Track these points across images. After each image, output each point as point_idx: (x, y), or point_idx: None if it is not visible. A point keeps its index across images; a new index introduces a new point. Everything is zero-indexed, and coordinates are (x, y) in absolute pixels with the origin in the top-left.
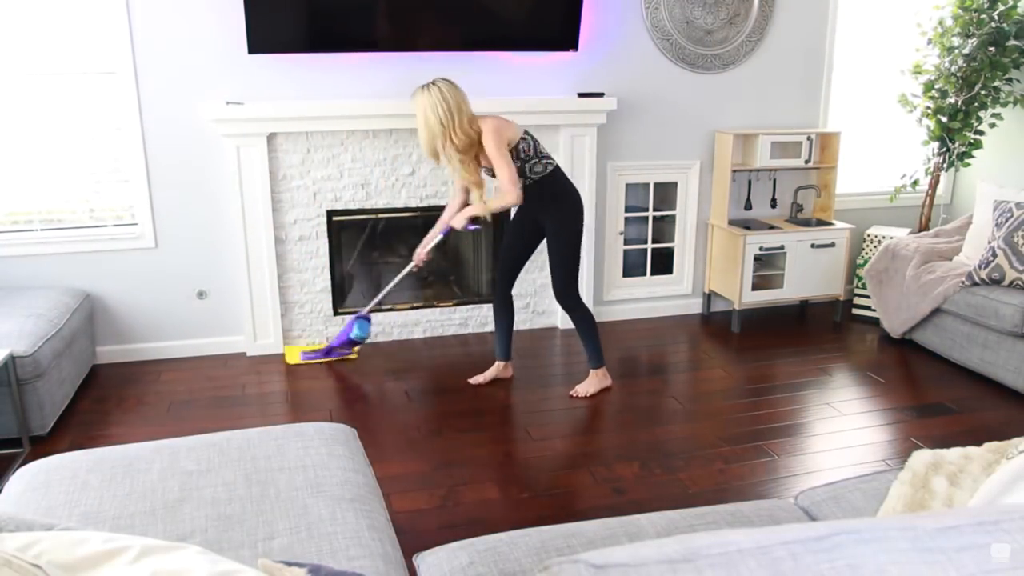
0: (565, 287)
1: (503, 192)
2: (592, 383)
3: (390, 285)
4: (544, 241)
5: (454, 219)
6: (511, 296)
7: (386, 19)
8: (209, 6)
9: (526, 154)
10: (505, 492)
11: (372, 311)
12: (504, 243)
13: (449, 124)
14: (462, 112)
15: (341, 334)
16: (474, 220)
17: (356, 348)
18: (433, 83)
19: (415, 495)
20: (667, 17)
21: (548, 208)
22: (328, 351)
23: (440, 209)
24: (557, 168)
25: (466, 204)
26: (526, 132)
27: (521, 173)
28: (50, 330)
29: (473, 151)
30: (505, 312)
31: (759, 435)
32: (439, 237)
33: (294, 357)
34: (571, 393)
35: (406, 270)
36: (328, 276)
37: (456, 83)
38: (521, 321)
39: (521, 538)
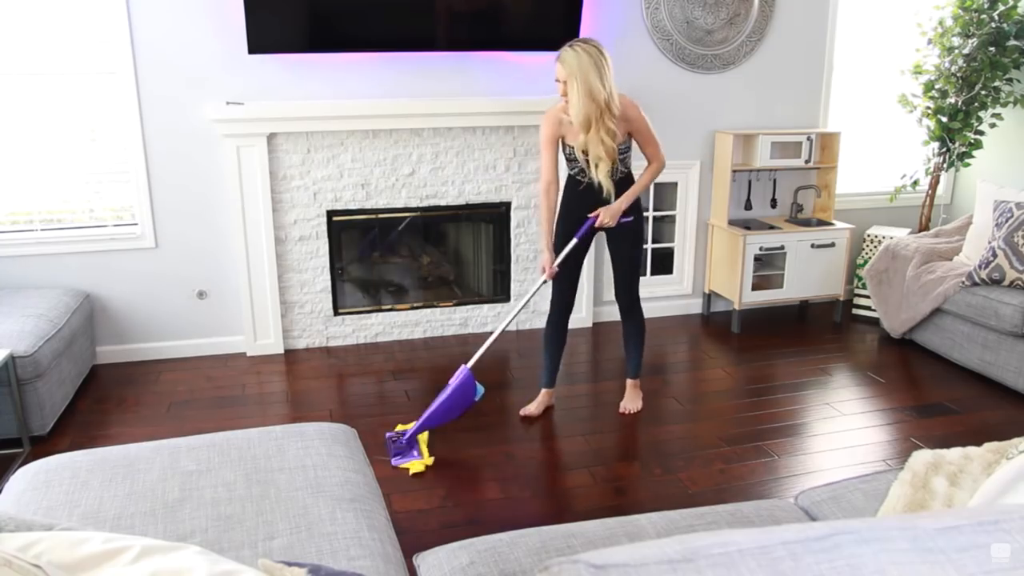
0: (637, 292)
1: (659, 160)
2: (637, 397)
3: (518, 309)
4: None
5: (603, 215)
6: (568, 320)
7: (386, 19)
8: (209, 6)
9: (625, 144)
10: (505, 492)
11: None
12: (563, 273)
13: (610, 88)
14: (613, 78)
15: (458, 400)
16: (625, 212)
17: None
18: (585, 42)
19: (415, 495)
20: (667, 17)
21: (628, 209)
22: (424, 427)
23: (440, 209)
24: (631, 170)
25: (556, 191)
26: None
27: (621, 165)
28: (50, 330)
29: (619, 124)
30: (562, 341)
31: (759, 435)
32: (583, 230)
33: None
34: (621, 411)
35: (538, 286)
36: (328, 276)
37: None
38: (521, 321)
39: (521, 538)
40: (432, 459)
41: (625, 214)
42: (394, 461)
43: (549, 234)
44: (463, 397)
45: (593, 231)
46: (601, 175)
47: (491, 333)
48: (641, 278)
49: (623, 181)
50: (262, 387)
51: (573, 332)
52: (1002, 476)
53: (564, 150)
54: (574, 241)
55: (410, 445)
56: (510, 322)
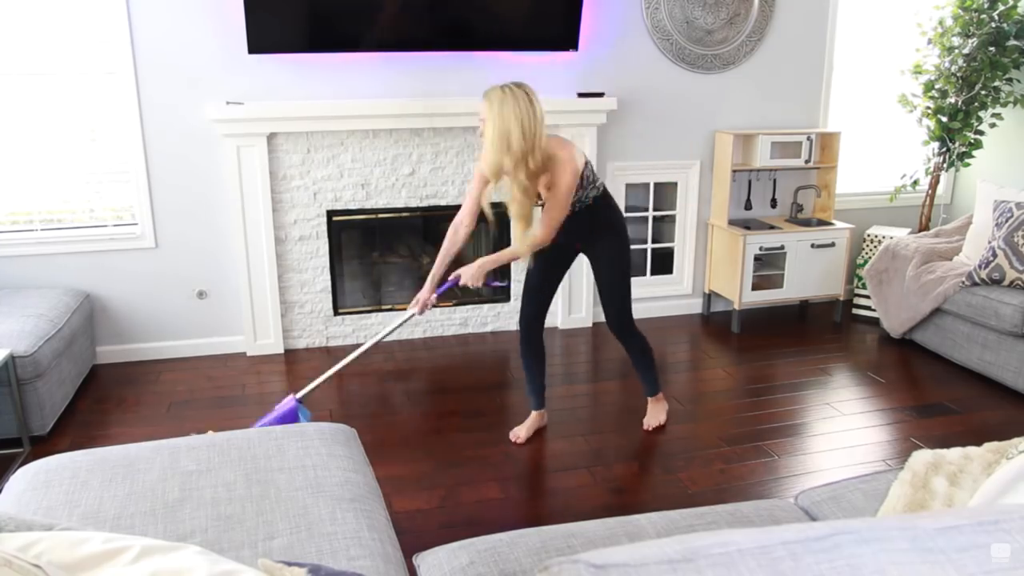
0: (625, 318)
1: (537, 234)
2: (660, 411)
3: (376, 338)
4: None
5: (465, 273)
6: (543, 338)
7: (386, 19)
8: (209, 6)
9: (588, 180)
10: (505, 492)
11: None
12: (534, 277)
13: (531, 142)
14: (543, 129)
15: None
16: (495, 273)
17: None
18: (518, 86)
19: (415, 495)
20: (667, 17)
21: (601, 235)
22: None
23: (439, 209)
24: (606, 189)
25: (471, 231)
26: (581, 153)
27: (579, 200)
28: (50, 330)
29: (539, 179)
30: (537, 355)
31: (759, 435)
32: (446, 286)
33: None
34: (645, 427)
35: (404, 318)
36: (328, 276)
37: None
38: None
39: (521, 538)
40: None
41: (496, 276)
42: None
43: (437, 265)
44: (286, 415)
45: (559, 255)
46: (516, 234)
47: (492, 333)
48: (644, 277)
49: (589, 210)
50: (262, 387)
51: (573, 332)
52: (1002, 476)
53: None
54: (446, 287)
55: None
56: (359, 353)
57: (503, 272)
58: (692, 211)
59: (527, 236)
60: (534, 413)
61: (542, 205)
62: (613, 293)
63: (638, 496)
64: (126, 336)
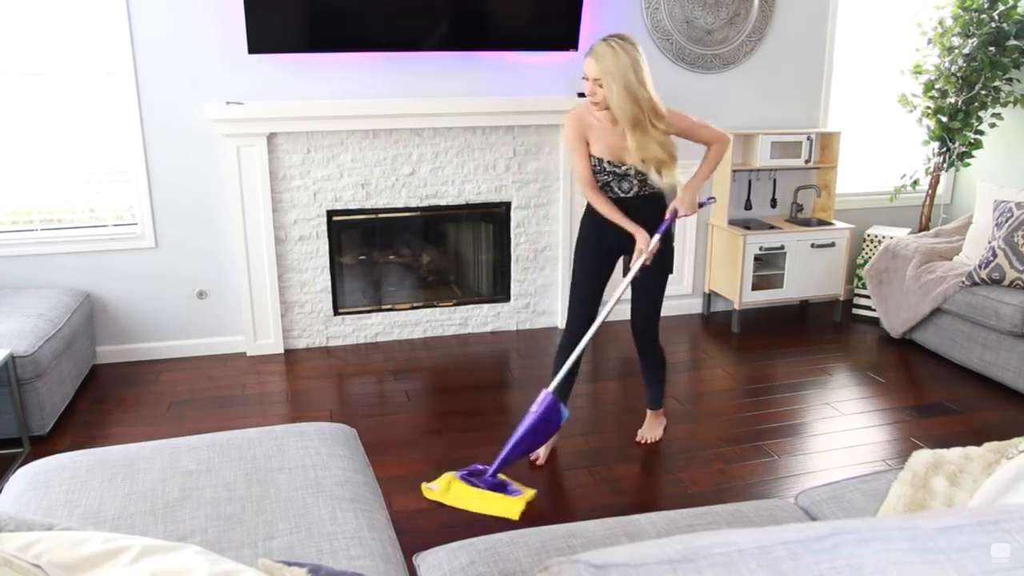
0: (654, 328)
1: (718, 139)
2: (658, 426)
3: (612, 301)
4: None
5: (681, 206)
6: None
7: (386, 19)
8: (209, 6)
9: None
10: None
11: None
12: (582, 276)
13: (649, 87)
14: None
15: (541, 427)
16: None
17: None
18: (622, 38)
19: (415, 495)
20: (667, 17)
21: (652, 231)
22: (507, 461)
23: (439, 209)
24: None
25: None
26: None
27: (641, 182)
28: (50, 330)
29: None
30: (574, 362)
31: (759, 435)
32: (666, 225)
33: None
34: (639, 440)
35: (634, 271)
36: (328, 276)
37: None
38: (521, 321)
39: (521, 538)
40: (534, 491)
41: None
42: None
43: (620, 213)
44: (547, 424)
45: (678, 217)
46: (666, 178)
47: (491, 333)
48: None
49: (650, 200)
50: (262, 387)
51: None
52: (1002, 476)
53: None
54: (655, 243)
55: (500, 485)
56: (598, 327)
57: (664, 235)
58: None
59: (712, 147)
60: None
61: (619, 175)
62: (652, 296)
63: (638, 496)
64: (126, 336)
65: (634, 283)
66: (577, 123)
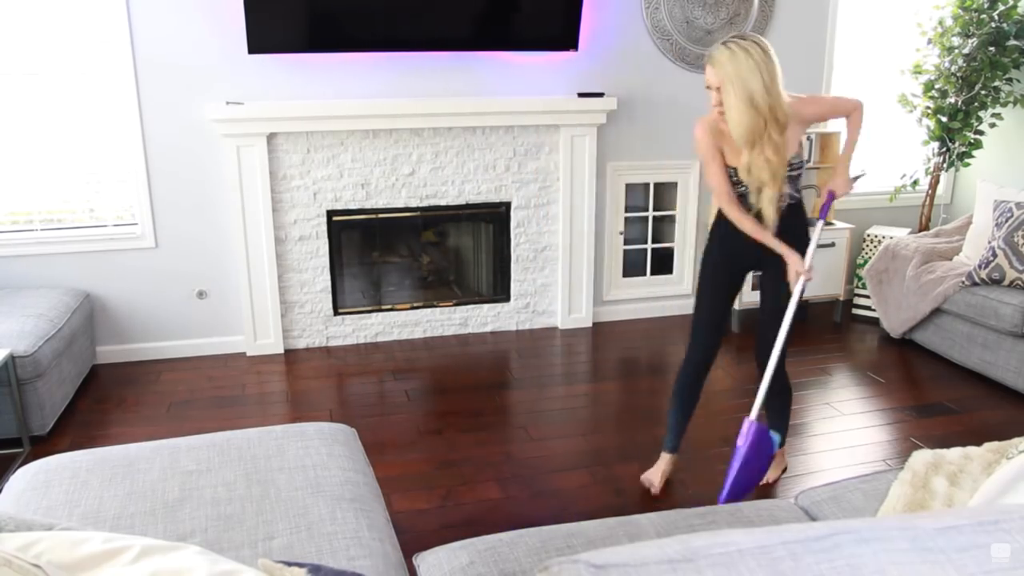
0: (785, 348)
1: (854, 108)
2: (777, 467)
3: (787, 321)
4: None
5: (838, 187)
6: (707, 373)
7: (386, 19)
8: (209, 6)
9: (798, 159)
10: (505, 492)
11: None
12: (711, 302)
13: (776, 93)
14: (781, 78)
15: (755, 460)
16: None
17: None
18: (743, 38)
19: (415, 495)
20: (667, 17)
21: (799, 237)
22: (740, 489)
23: (439, 209)
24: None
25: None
26: None
27: (793, 182)
28: (50, 330)
29: (786, 134)
30: (695, 393)
31: None
32: (826, 208)
33: None
34: (768, 481)
35: (799, 290)
36: (328, 276)
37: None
38: (521, 321)
39: (521, 538)
40: None
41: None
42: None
43: (766, 231)
44: (759, 455)
45: (835, 199)
46: (764, 202)
47: (491, 333)
48: (644, 277)
49: (791, 210)
50: (262, 387)
51: (573, 332)
52: (1002, 476)
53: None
54: (819, 228)
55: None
56: (784, 346)
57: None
58: (692, 211)
59: (852, 116)
60: (666, 456)
61: (794, 175)
62: (789, 316)
63: (638, 496)
64: (126, 336)
65: (763, 295)
66: (711, 131)
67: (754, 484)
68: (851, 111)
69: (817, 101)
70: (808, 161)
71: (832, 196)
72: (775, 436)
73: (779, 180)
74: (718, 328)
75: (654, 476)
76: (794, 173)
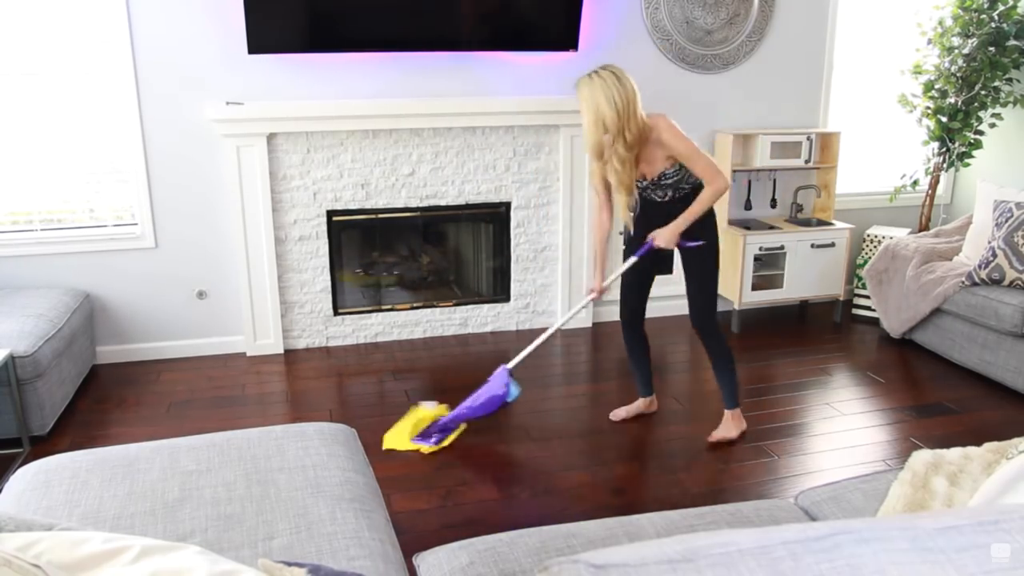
0: (709, 314)
1: (710, 182)
2: (732, 426)
3: (565, 319)
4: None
5: (660, 236)
6: (644, 330)
7: (386, 19)
8: (209, 6)
9: (684, 169)
10: (505, 492)
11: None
12: (630, 274)
13: (624, 115)
14: (637, 99)
15: (488, 400)
16: (687, 233)
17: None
18: (603, 68)
19: (415, 495)
20: (667, 17)
21: (697, 226)
22: (457, 419)
23: (439, 209)
24: (700, 186)
25: (610, 216)
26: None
27: (675, 186)
28: (50, 330)
29: (636, 151)
30: (641, 347)
31: (759, 435)
32: (641, 252)
33: (400, 442)
34: (710, 439)
35: (583, 303)
36: (328, 276)
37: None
38: (521, 321)
39: (521, 538)
40: (434, 448)
41: (692, 238)
42: (414, 439)
43: (596, 257)
44: (490, 399)
45: (656, 252)
46: (618, 204)
47: (491, 333)
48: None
49: (685, 199)
50: (262, 387)
51: (572, 332)
52: (1002, 476)
53: None
54: (632, 260)
55: (441, 430)
56: (554, 331)
57: (704, 232)
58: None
59: (705, 189)
60: (642, 399)
61: (644, 188)
62: (700, 287)
63: (638, 496)
64: (126, 336)
65: (687, 280)
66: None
67: (474, 417)
68: (707, 183)
69: (680, 141)
70: (810, 161)
71: (651, 244)
72: (516, 389)
73: (627, 187)
74: (644, 290)
75: (622, 411)
76: (667, 182)
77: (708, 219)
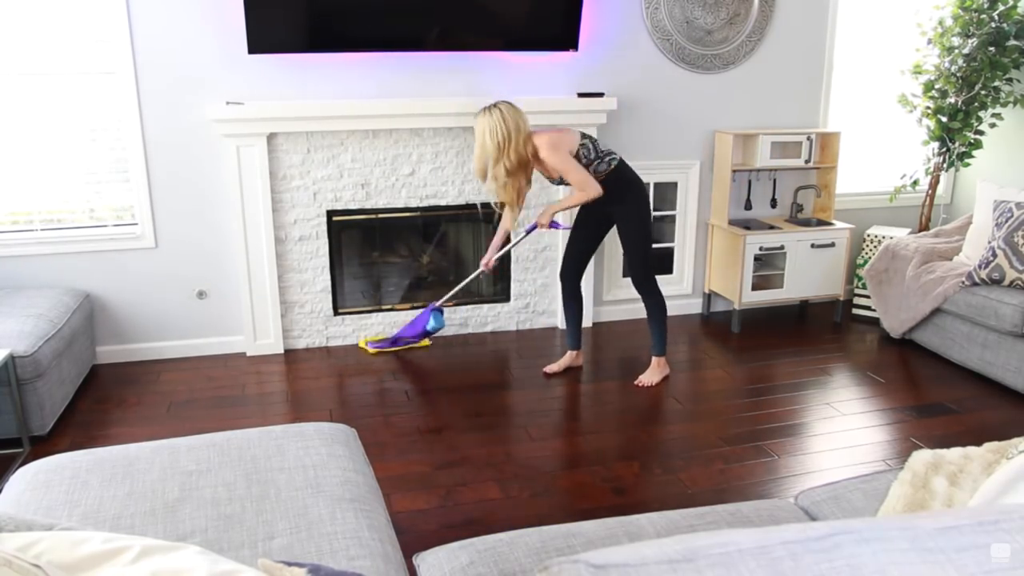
0: (643, 274)
1: (581, 190)
2: (655, 372)
3: (463, 283)
4: (607, 235)
5: (541, 216)
6: (580, 288)
7: (385, 19)
8: (209, 6)
9: (587, 159)
10: (505, 492)
11: (445, 304)
12: (571, 237)
13: (504, 147)
14: (520, 132)
15: (415, 324)
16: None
17: (426, 339)
18: (495, 105)
19: (415, 495)
20: (667, 17)
21: (618, 200)
22: (395, 340)
23: (439, 209)
24: (621, 161)
25: (512, 219)
26: (584, 136)
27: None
28: (50, 330)
29: (522, 172)
30: (575, 303)
31: (759, 435)
32: (526, 232)
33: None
34: (636, 382)
35: (474, 274)
36: (328, 276)
37: (516, 105)
38: (521, 321)
39: (521, 538)
40: (366, 343)
41: (623, 204)
42: (372, 345)
43: (493, 242)
44: (414, 325)
45: (536, 228)
46: (504, 212)
47: (491, 333)
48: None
49: (608, 181)
50: (262, 387)
51: None
52: (1002, 476)
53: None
54: (521, 236)
55: (392, 342)
56: (475, 276)
57: (616, 199)
58: (692, 211)
59: (580, 194)
60: (570, 352)
61: (559, 183)
62: (632, 251)
63: (638, 496)
64: (126, 336)
65: (622, 245)
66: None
67: (402, 341)
68: (580, 189)
69: (554, 158)
70: (810, 161)
71: (533, 227)
72: (435, 322)
73: (510, 203)
74: (583, 252)
75: (553, 366)
76: (564, 184)
77: (632, 191)
